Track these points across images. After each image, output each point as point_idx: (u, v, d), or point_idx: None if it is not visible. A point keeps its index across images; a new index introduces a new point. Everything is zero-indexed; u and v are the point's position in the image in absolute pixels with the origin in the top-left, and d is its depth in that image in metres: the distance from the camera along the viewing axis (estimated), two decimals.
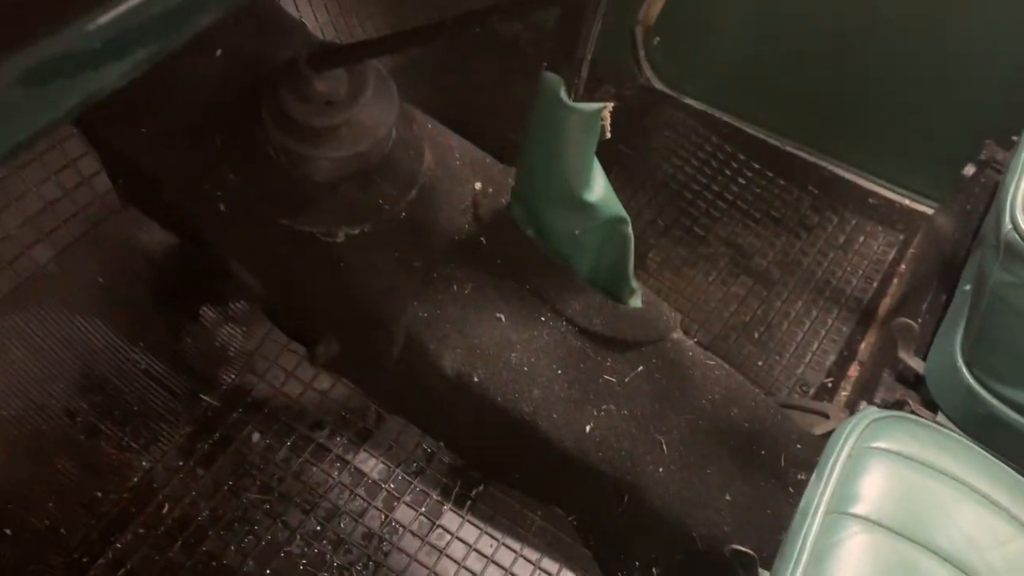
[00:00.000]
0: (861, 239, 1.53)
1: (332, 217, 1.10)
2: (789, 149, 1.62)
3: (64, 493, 1.06)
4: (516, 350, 1.14)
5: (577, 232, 1.13)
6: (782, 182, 1.58)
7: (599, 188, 1.09)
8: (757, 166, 1.59)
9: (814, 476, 0.82)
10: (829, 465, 0.82)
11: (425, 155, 1.19)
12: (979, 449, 0.87)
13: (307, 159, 1.09)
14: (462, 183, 1.20)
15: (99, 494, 1.07)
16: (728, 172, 1.57)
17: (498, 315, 1.16)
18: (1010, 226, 0.89)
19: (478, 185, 1.21)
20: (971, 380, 0.99)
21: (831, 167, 1.61)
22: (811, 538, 0.75)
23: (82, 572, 1.03)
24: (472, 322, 1.14)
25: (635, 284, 1.18)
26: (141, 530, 1.06)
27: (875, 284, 1.46)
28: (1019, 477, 0.85)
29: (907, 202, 1.58)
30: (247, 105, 1.11)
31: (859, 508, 0.77)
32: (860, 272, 1.49)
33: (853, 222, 1.55)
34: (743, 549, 0.93)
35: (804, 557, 0.74)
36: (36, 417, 1.08)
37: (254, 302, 1.21)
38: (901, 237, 1.54)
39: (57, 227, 1.11)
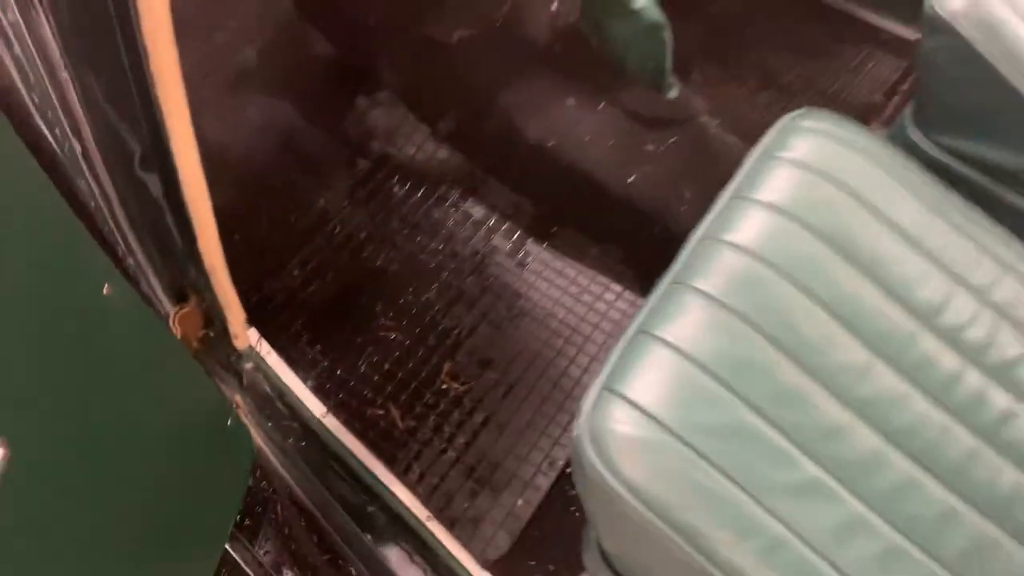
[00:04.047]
0: (870, 65, 1.87)
1: (450, 23, 1.54)
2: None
3: (272, 214, 1.56)
4: (581, 126, 1.57)
5: (629, 35, 1.53)
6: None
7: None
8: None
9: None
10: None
11: None
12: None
13: None
14: (544, 2, 1.62)
15: (293, 218, 1.57)
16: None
17: (569, 100, 1.59)
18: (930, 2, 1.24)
19: (554, 6, 1.63)
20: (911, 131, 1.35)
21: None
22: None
23: (282, 266, 1.53)
24: (551, 105, 1.57)
25: (672, 79, 1.57)
26: (321, 242, 1.56)
27: (879, 96, 1.81)
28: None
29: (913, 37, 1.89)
30: None
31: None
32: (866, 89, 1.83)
33: (865, 52, 1.89)
34: None
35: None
36: (251, 162, 1.58)
37: (394, 92, 1.66)
38: (905, 64, 1.87)
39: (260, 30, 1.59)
